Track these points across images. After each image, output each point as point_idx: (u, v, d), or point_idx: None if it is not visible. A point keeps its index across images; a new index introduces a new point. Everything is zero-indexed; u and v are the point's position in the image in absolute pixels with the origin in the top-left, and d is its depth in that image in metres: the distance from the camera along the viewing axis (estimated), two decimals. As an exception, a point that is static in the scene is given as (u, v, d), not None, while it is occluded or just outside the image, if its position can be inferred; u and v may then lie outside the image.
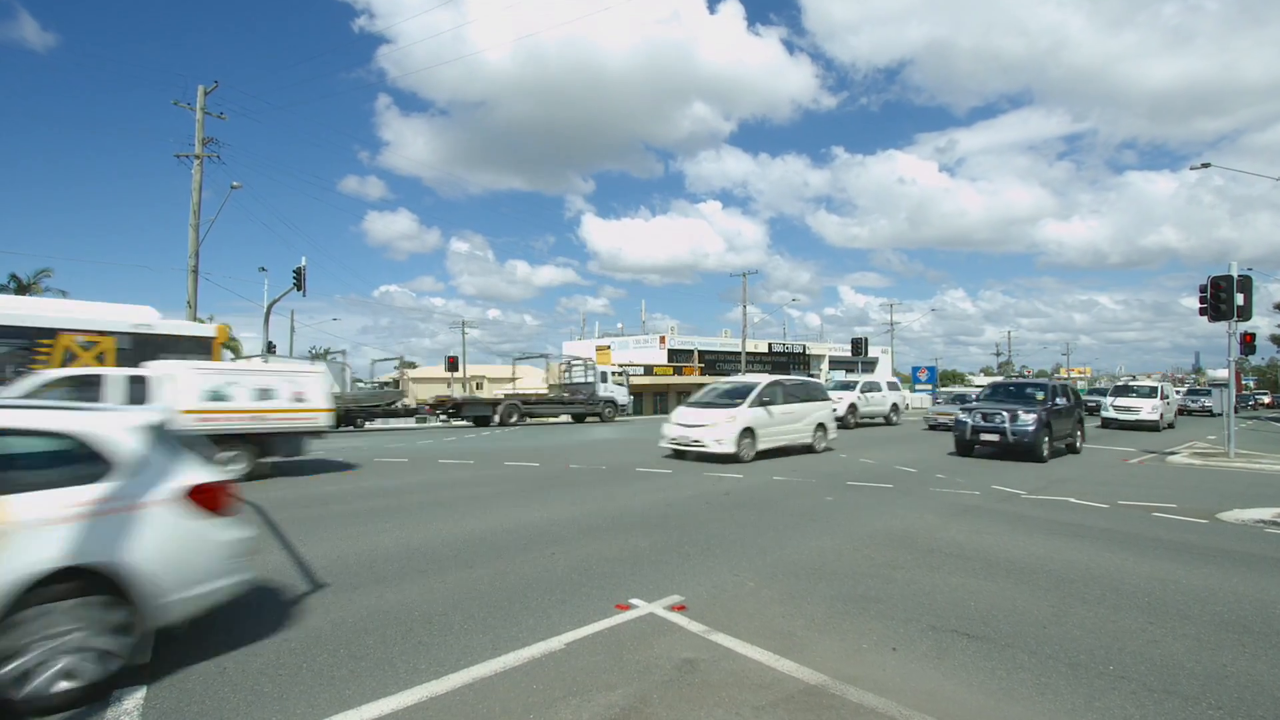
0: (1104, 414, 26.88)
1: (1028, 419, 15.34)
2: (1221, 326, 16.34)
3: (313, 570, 6.08)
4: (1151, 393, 27.34)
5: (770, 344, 69.21)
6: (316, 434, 11.87)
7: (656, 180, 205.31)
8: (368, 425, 28.21)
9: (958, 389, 37.27)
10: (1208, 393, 43.94)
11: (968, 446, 16.08)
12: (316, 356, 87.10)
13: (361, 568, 6.19)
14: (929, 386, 69.32)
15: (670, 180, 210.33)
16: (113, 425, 4.00)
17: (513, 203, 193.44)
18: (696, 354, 61.55)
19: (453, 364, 48.28)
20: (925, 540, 7.56)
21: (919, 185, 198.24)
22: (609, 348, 57.47)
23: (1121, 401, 26.87)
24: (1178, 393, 36.57)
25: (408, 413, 27.87)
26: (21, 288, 35.67)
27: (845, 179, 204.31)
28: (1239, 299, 16.02)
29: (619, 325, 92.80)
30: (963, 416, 16.39)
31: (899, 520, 8.67)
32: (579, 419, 32.45)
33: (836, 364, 72.83)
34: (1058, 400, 16.90)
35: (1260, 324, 54.60)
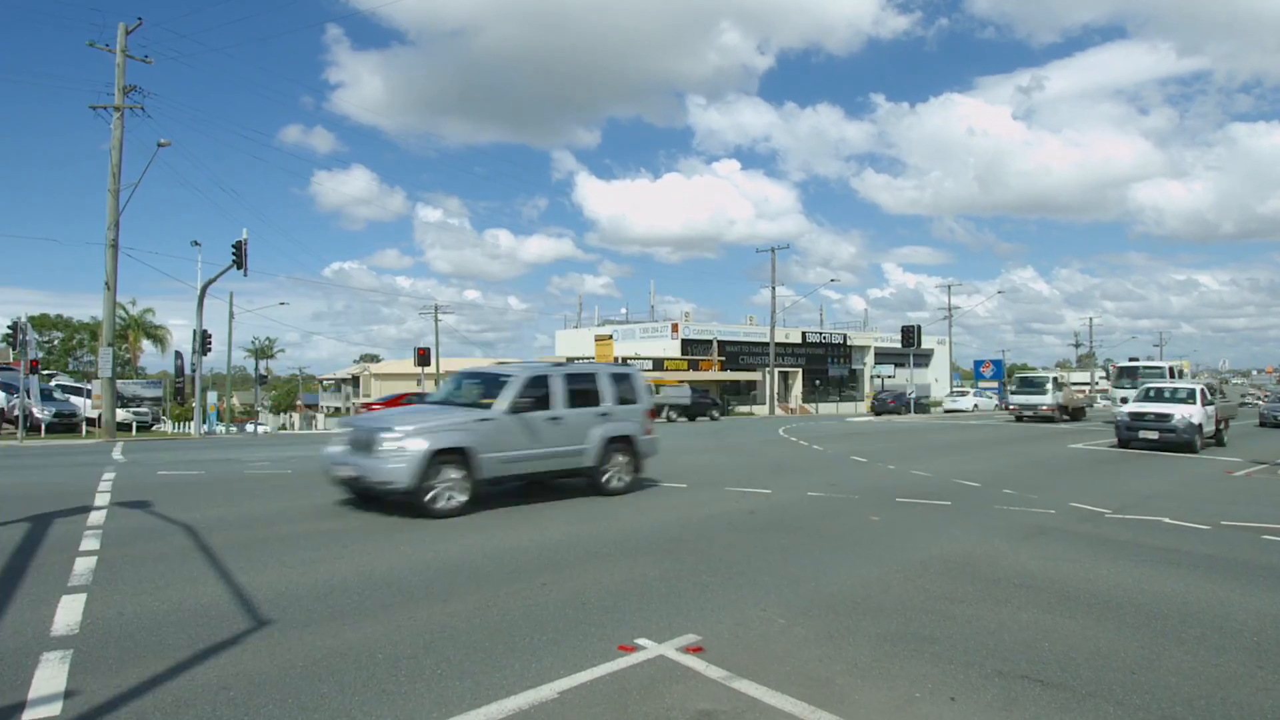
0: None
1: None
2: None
3: (255, 604, 6.10)
4: (1188, 396, 22.54)
5: (804, 333, 69.19)
6: None
7: (674, 132, 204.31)
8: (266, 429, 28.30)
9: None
10: None
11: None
12: (261, 350, 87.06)
13: (314, 600, 6.20)
14: (994, 384, 69.29)
15: (685, 134, 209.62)
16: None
17: (494, 159, 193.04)
18: (716, 345, 61.55)
19: (423, 356, 48.41)
20: (990, 568, 7.54)
21: (989, 137, 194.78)
22: (611, 338, 57.59)
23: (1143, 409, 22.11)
24: (1250, 397, 35.83)
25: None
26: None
27: (893, 132, 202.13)
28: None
29: (623, 310, 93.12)
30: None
31: (958, 544, 8.65)
32: None
33: (884, 357, 72.83)
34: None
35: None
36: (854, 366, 72.20)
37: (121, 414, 32.11)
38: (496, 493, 12.09)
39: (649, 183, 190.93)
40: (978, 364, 59.68)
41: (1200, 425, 21.10)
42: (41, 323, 66.42)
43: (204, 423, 36.49)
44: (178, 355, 48.09)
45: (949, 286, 67.98)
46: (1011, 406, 37.65)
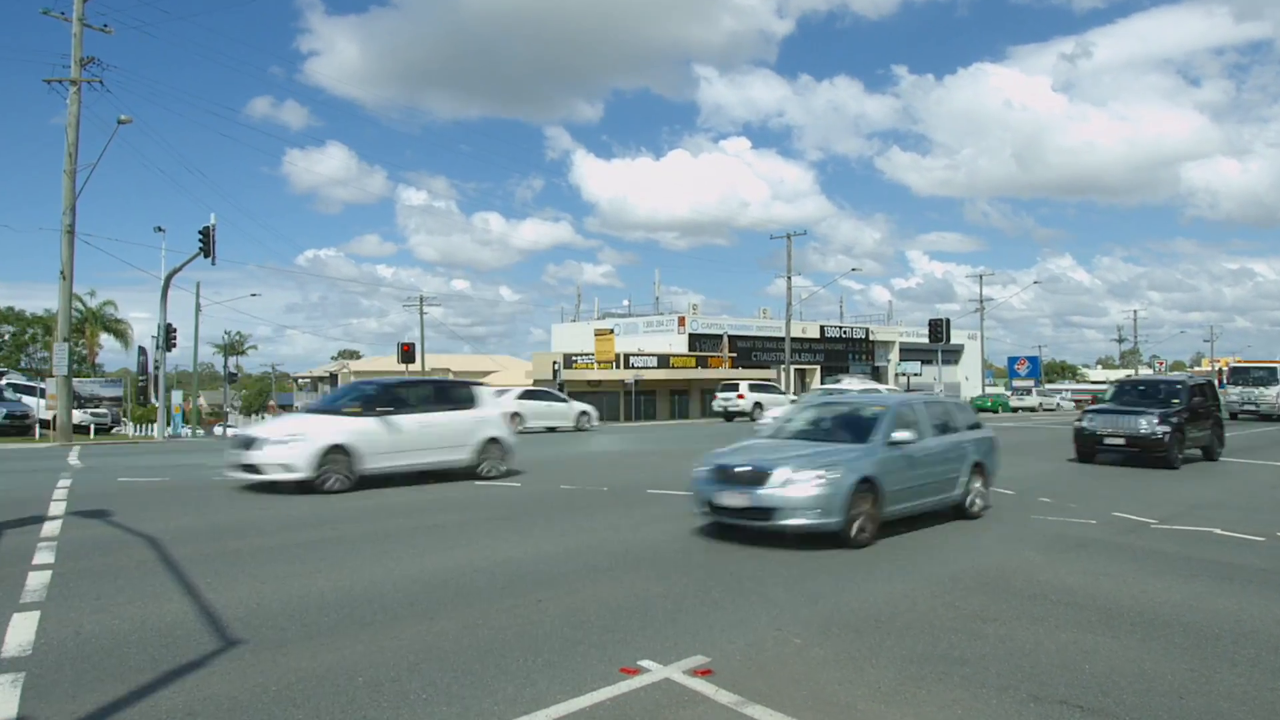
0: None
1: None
2: None
3: (225, 622, 6.11)
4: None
5: (823, 327, 69.20)
6: None
7: (680, 107, 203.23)
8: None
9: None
10: None
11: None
12: (230, 346, 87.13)
13: (288, 619, 6.21)
14: (1030, 382, 69.36)
15: (690, 110, 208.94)
16: None
17: (484, 135, 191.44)
18: (726, 340, 61.61)
19: (407, 352, 48.50)
20: (1025, 583, 7.53)
21: (1028, 111, 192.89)
22: (612, 332, 57.54)
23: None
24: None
25: None
26: None
27: (919, 107, 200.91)
28: None
29: (625, 302, 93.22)
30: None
31: (990, 557, 8.64)
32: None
33: (909, 353, 72.80)
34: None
35: None
36: (877, 363, 72.13)
37: (78, 415, 32.16)
38: (485, 503, 12.12)
39: (653, 162, 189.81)
40: (1012, 360, 59.84)
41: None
42: (-9, 316, 66.59)
43: (168, 425, 36.55)
44: (141, 351, 48.28)
45: (980, 276, 67.98)
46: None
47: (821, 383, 51.89)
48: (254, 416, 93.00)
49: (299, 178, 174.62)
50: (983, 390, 63.99)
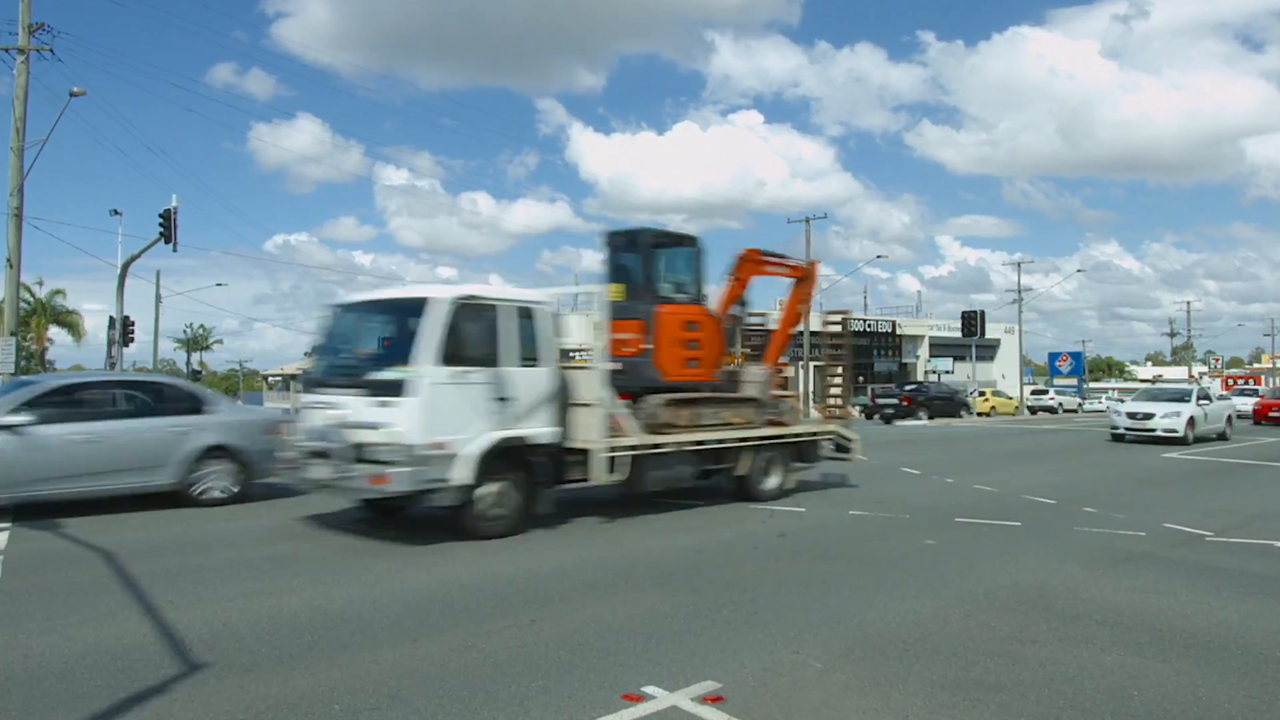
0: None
1: None
2: None
3: (187, 644, 6.12)
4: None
5: (845, 318, 68.99)
6: None
7: (685, 78, 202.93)
8: None
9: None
10: None
11: None
12: (194, 340, 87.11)
13: (257, 640, 6.22)
14: (1073, 380, 69.31)
15: (695, 81, 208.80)
16: None
17: (472, 108, 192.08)
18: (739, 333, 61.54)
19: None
20: (1067, 602, 7.53)
21: (1074, 80, 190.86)
22: (612, 325, 57.47)
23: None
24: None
25: None
26: None
27: (950, 76, 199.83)
28: None
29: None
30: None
31: (1029, 573, 8.64)
32: None
33: (941, 348, 72.80)
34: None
35: None
36: (905, 360, 72.15)
37: (28, 417, 32.15)
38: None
39: (659, 137, 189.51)
40: (1053, 357, 59.80)
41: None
42: (-69, 308, 66.71)
43: (126, 427, 36.55)
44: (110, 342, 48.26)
45: (1019, 264, 67.76)
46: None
47: None
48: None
49: (266, 154, 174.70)
50: (1020, 389, 63.88)
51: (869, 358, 68.34)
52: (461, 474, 9.53)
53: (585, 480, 10.79)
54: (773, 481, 13.30)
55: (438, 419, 9.35)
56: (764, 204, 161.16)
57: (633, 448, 11.05)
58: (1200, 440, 26.72)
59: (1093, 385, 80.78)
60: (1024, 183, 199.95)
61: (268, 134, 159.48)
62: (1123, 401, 33.80)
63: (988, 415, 51.55)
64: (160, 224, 29.14)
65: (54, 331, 60.93)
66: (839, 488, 14.92)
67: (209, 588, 7.68)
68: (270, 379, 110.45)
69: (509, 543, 9.81)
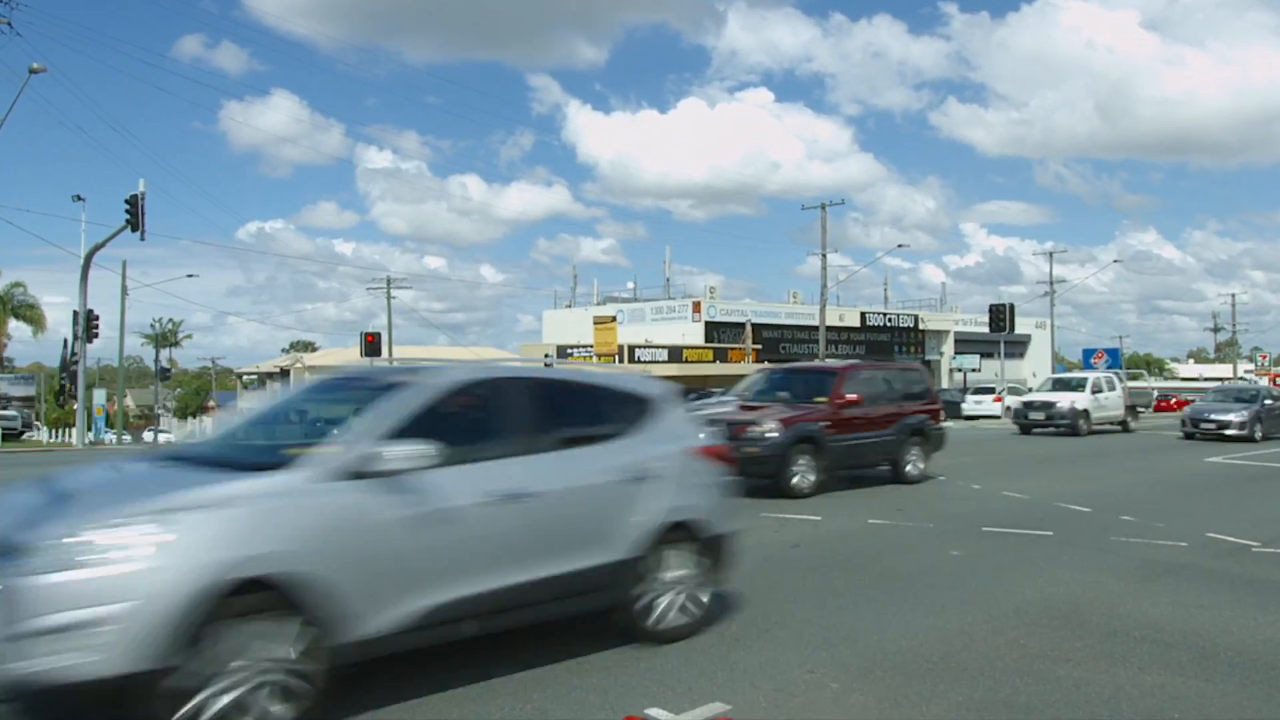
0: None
1: None
2: None
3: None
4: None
5: (864, 313, 69.22)
6: None
7: (690, 54, 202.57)
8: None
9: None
10: None
11: None
12: (163, 336, 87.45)
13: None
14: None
15: (699, 56, 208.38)
16: None
17: (461, 85, 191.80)
18: (750, 329, 61.60)
19: (372, 344, 48.57)
20: (1103, 618, 7.52)
21: (1113, 54, 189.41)
22: (614, 320, 57.64)
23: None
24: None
25: None
26: None
27: (977, 51, 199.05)
28: None
29: (630, 284, 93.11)
30: None
31: (1062, 586, 8.63)
32: None
33: (966, 344, 72.71)
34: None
35: None
36: (928, 356, 72.06)
37: (-17, 418, 32.25)
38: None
39: (662, 115, 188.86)
40: (1087, 353, 59.32)
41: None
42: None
43: (89, 430, 36.67)
44: (66, 343, 48.38)
45: (1051, 253, 67.64)
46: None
47: None
48: (191, 419, 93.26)
49: (239, 135, 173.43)
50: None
51: (889, 354, 68.23)
52: None
53: None
54: None
55: None
56: (778, 188, 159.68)
57: None
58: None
59: (1131, 385, 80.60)
60: (1058, 165, 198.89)
61: (240, 113, 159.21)
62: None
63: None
64: (126, 210, 29.25)
65: (13, 326, 61.06)
66: (857, 494, 14.91)
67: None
68: (245, 378, 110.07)
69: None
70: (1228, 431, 28.40)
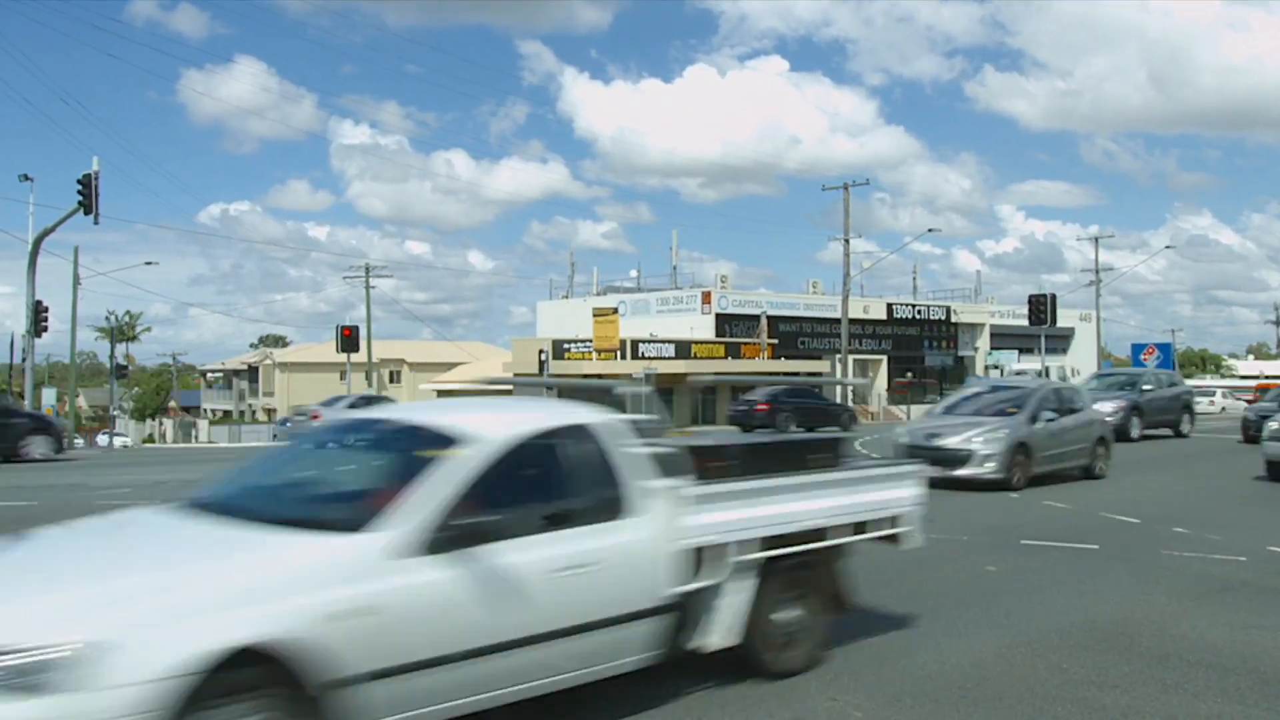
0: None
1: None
2: None
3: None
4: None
5: (891, 305, 69.19)
6: None
7: (693, 18, 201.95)
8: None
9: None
10: None
11: None
12: (119, 330, 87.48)
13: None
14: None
15: (710, 21, 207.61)
16: None
17: (445, 51, 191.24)
18: (765, 321, 61.57)
19: (349, 338, 48.69)
20: (1154, 639, 7.52)
21: (1169, 17, 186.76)
22: (616, 312, 57.66)
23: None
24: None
25: None
26: None
27: (1013, 16, 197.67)
28: None
29: (633, 272, 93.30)
30: None
31: (1109, 605, 8.63)
32: None
33: (1003, 338, 72.71)
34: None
35: None
36: (961, 352, 72.12)
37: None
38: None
39: (666, 85, 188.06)
40: (1137, 349, 59.25)
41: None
42: None
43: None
44: (14, 339, 48.51)
45: (1096, 238, 67.59)
46: None
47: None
48: (150, 421, 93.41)
49: (200, 107, 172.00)
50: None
51: (918, 350, 68.36)
52: None
53: None
54: None
55: None
56: (797, 166, 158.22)
57: None
58: None
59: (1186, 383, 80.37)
60: (1106, 140, 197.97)
61: (201, 82, 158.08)
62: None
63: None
64: (79, 191, 29.26)
65: (-45, 319, 61.15)
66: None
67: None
68: (209, 375, 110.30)
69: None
70: None
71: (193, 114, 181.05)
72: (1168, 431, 31.13)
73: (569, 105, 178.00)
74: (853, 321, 57.87)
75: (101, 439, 55.60)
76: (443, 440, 5.39)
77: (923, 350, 69.09)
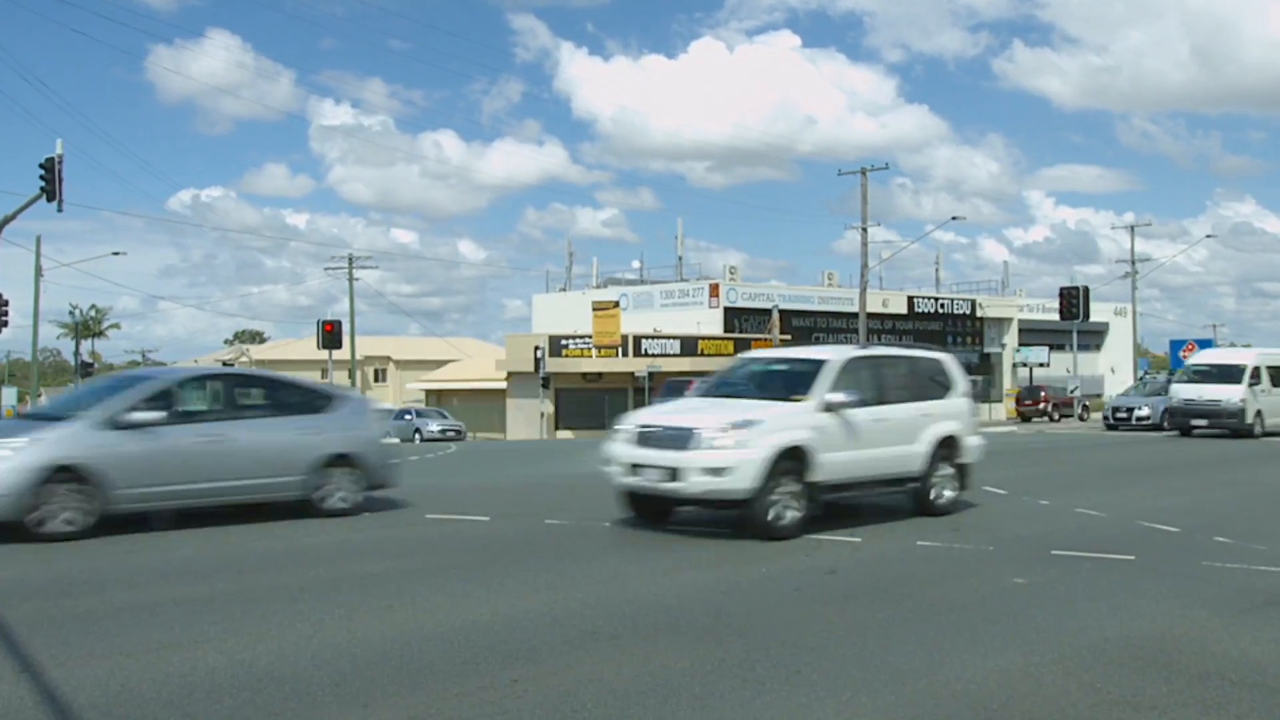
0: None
1: None
2: None
3: (77, 712, 6.13)
4: None
5: (912, 298, 69.29)
6: None
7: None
8: None
9: None
10: None
11: None
12: (84, 325, 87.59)
13: (164, 708, 6.22)
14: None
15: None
16: None
17: (433, 25, 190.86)
18: (777, 315, 61.59)
19: (330, 333, 48.64)
20: (1194, 657, 7.50)
21: None
22: (617, 305, 57.75)
23: None
24: None
25: None
26: None
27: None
28: None
29: (636, 263, 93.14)
30: None
31: (1145, 620, 8.61)
32: None
33: (1032, 334, 72.73)
34: None
35: None
36: (987, 349, 72.11)
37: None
38: (439, 546, 12.15)
39: (672, 62, 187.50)
40: (1176, 345, 59.26)
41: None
42: None
43: None
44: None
45: (1133, 227, 67.46)
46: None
47: None
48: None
49: (170, 85, 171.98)
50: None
51: (943, 344, 68.19)
52: None
53: None
54: None
55: None
56: (813, 148, 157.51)
57: None
58: None
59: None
60: (1144, 121, 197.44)
61: (171, 59, 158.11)
62: None
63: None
64: (41, 176, 29.25)
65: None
66: (903, 512, 14.89)
67: (104, 639, 7.69)
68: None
69: (484, 583, 9.83)
70: None
71: (162, 93, 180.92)
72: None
73: (566, 83, 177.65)
74: (871, 316, 57.86)
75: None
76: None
77: (946, 345, 68.95)
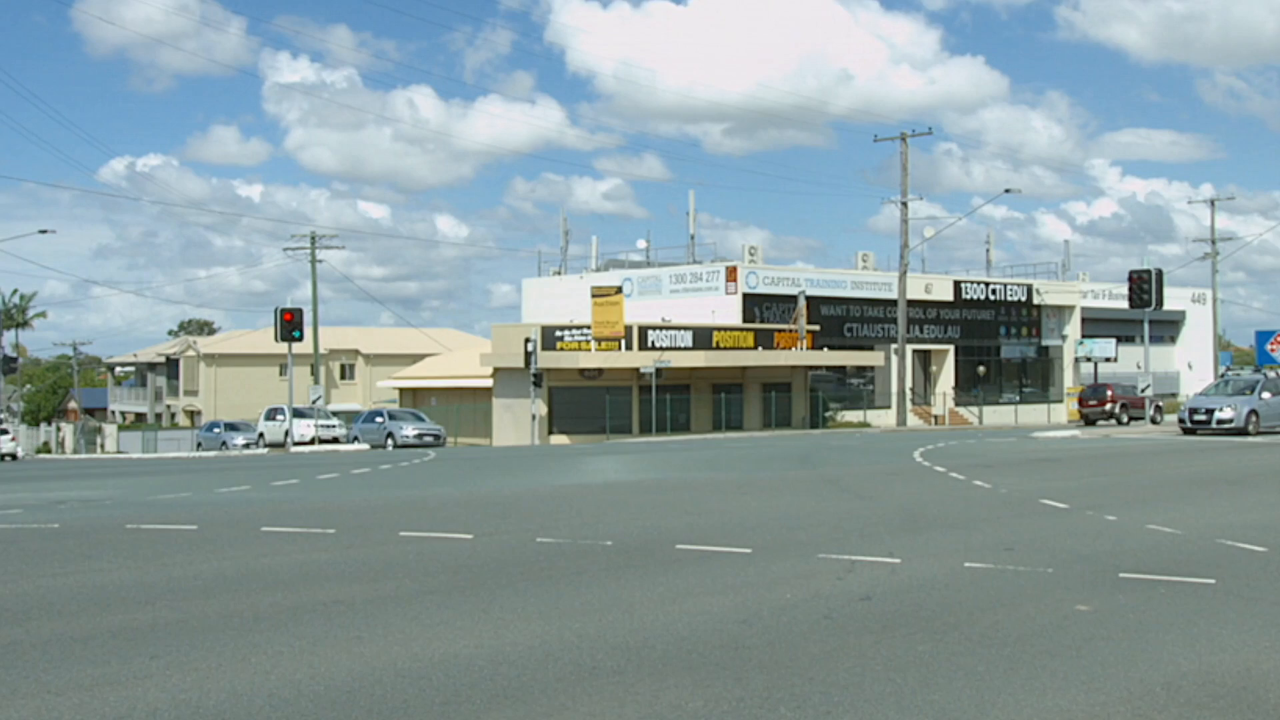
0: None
1: None
2: None
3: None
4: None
5: (958, 283, 69.20)
6: None
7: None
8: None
9: None
10: None
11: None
12: (6, 314, 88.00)
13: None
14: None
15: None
16: None
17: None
18: (803, 303, 61.52)
19: (291, 322, 48.73)
20: (1287, 696, 7.50)
21: None
22: (620, 292, 57.66)
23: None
24: None
25: None
26: None
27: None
28: None
29: (641, 243, 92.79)
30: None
31: (1228, 653, 8.60)
32: None
33: (1098, 324, 72.67)
34: None
35: None
36: (1046, 342, 72.12)
37: None
38: (417, 567, 12.18)
39: (679, 7, 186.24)
40: (1262, 337, 59.43)
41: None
42: None
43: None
44: None
45: (1213, 201, 67.40)
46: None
47: None
48: (45, 426, 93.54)
49: (100, 35, 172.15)
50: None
51: (993, 338, 68.35)
52: None
53: None
54: None
55: None
56: (848, 108, 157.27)
57: None
58: None
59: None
60: (1230, 77, 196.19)
61: (100, 4, 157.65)
62: None
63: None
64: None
65: None
66: (949, 528, 14.89)
67: (28, 674, 7.71)
68: (118, 370, 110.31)
69: (467, 611, 9.85)
70: None
71: (91, 45, 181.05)
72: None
73: (559, 33, 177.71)
74: (912, 304, 57.93)
75: (-13, 448, 55.76)
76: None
77: (998, 338, 69.11)
